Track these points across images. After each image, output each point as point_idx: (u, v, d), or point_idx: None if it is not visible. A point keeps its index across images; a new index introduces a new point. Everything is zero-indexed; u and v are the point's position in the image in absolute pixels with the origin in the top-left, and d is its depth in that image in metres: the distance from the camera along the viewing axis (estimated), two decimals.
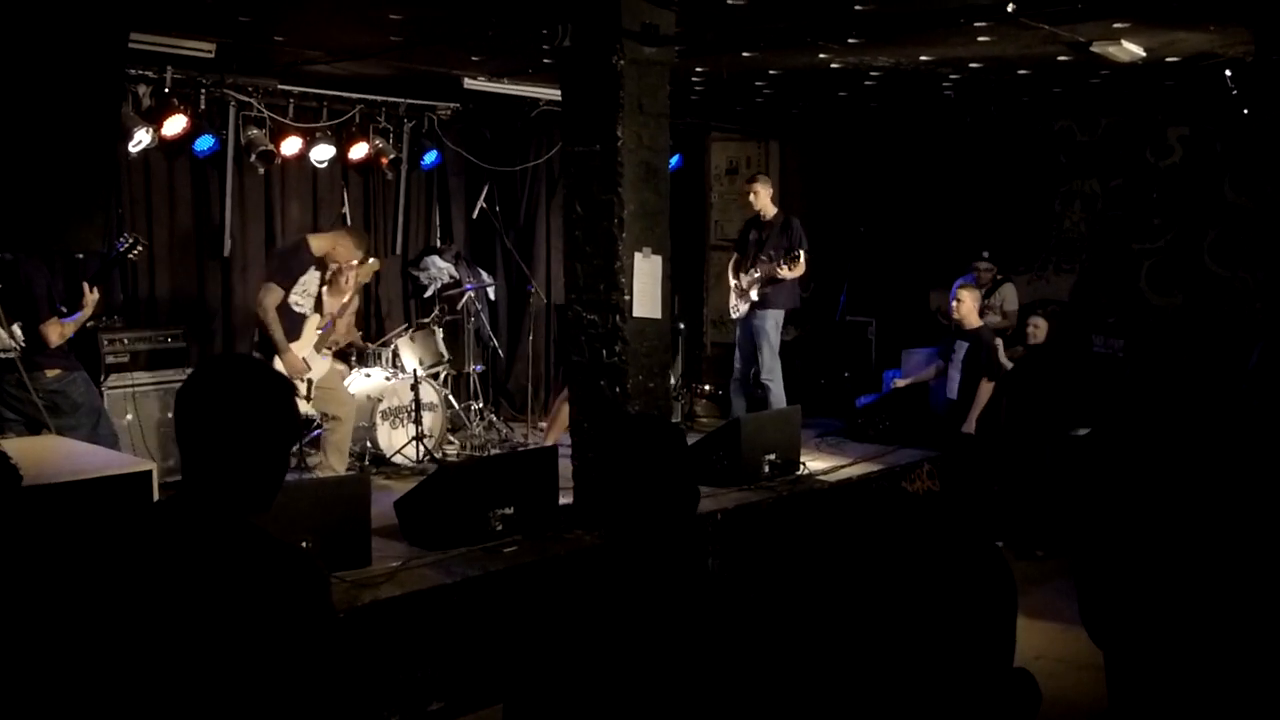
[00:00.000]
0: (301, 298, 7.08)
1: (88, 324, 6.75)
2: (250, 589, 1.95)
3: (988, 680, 1.17)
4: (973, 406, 7.90)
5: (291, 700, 1.94)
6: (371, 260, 8.14)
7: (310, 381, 7.04)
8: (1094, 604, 1.61)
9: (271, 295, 6.90)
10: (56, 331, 6.33)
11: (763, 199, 8.79)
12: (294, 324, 7.05)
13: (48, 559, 2.01)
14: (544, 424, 9.68)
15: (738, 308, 8.82)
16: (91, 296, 6.53)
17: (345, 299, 7.84)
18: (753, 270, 8.68)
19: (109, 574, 1.94)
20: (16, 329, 6.32)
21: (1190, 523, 1.64)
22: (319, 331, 7.31)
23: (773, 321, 8.74)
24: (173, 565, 1.94)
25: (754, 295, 8.66)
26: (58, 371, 6.35)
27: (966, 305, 8.18)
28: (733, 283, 8.84)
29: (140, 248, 6.82)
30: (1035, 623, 5.74)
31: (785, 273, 8.53)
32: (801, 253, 8.52)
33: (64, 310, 6.42)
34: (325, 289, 8.30)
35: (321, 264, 7.22)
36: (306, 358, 7.09)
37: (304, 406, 7.01)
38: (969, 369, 8.06)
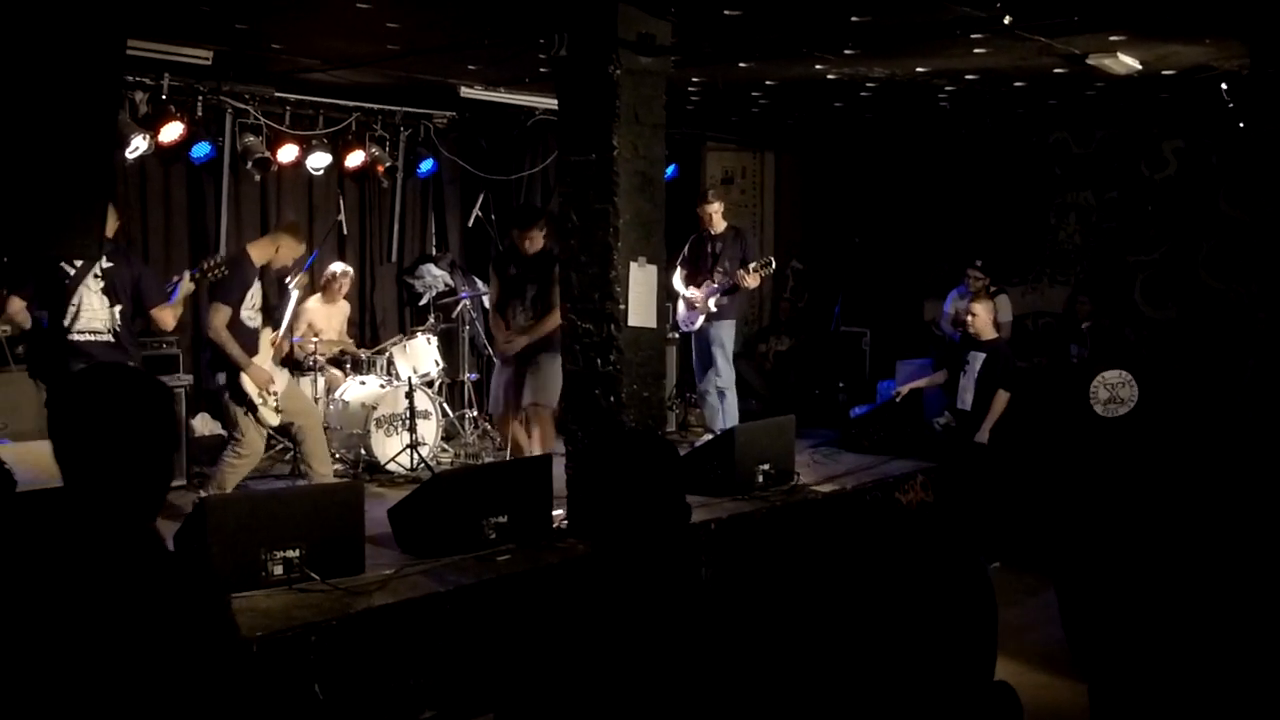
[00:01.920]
0: (253, 312, 6.87)
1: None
2: (139, 605, 1.88)
3: (967, 691, 1.17)
4: (987, 417, 7.92)
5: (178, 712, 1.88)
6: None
7: (276, 394, 6.94)
8: (1077, 622, 1.61)
9: (220, 315, 6.68)
10: (170, 314, 6.56)
11: (719, 213, 8.86)
12: (249, 339, 6.83)
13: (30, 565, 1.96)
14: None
15: (690, 320, 8.82)
16: (190, 285, 6.71)
17: (286, 318, 7.74)
18: (709, 282, 8.71)
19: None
20: (117, 311, 6.38)
21: (1181, 538, 1.64)
22: (274, 346, 7.20)
23: (728, 332, 8.81)
24: (62, 584, 1.87)
25: (712, 306, 8.69)
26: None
27: (982, 318, 8.19)
28: (686, 295, 8.81)
29: (221, 271, 6.78)
30: (1031, 634, 5.73)
31: (749, 282, 8.62)
32: (755, 264, 8.62)
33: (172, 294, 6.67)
34: (316, 301, 8.31)
35: (265, 273, 7.07)
36: (267, 369, 6.97)
37: (275, 419, 6.94)
38: (985, 380, 8.07)
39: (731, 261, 8.72)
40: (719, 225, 8.85)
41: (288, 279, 7.80)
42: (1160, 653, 1.54)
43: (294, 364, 8.35)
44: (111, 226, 6.45)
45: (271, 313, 7.37)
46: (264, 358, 6.90)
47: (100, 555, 1.91)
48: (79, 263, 6.46)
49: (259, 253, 6.90)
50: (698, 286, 8.79)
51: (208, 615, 1.97)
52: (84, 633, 1.83)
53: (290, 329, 7.73)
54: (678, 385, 10.12)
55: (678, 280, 8.85)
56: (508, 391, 7.62)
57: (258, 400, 6.74)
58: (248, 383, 6.70)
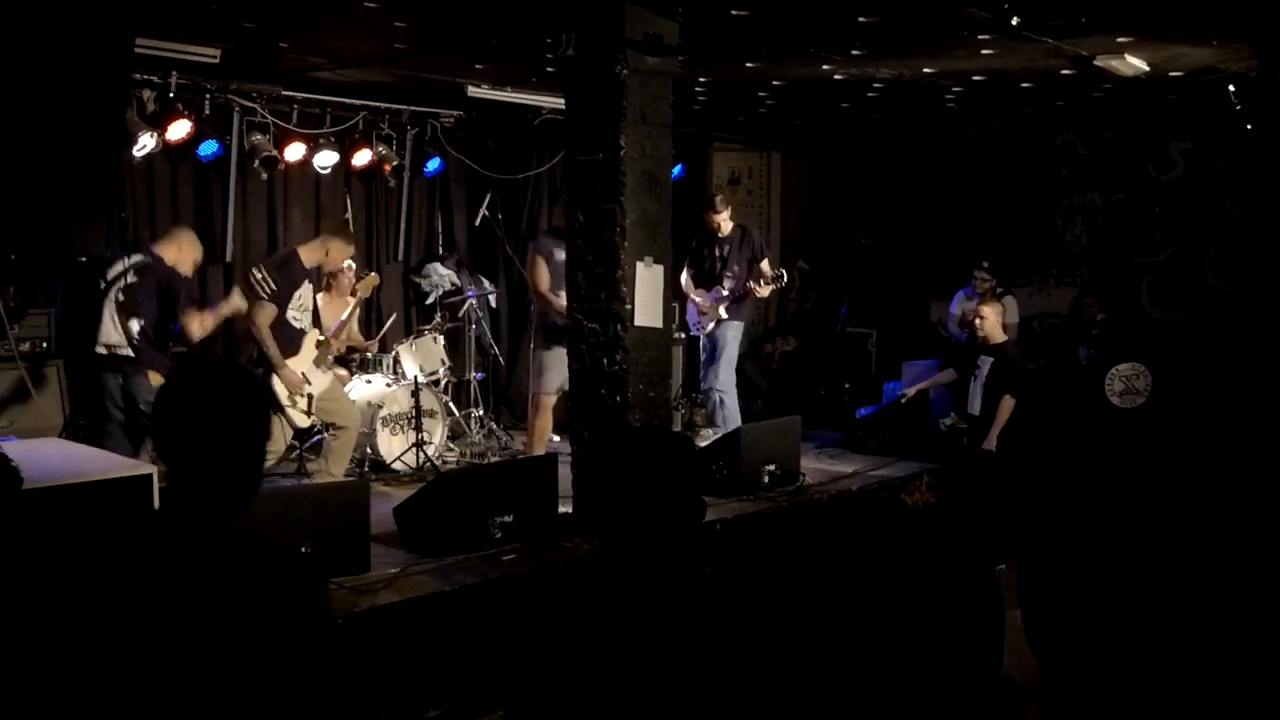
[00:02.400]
0: (299, 312, 6.95)
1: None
2: (250, 594, 1.95)
3: (975, 687, 1.18)
4: (994, 423, 7.87)
5: (290, 705, 1.94)
6: (371, 275, 8.13)
7: (310, 397, 7.00)
8: (1038, 619, 1.62)
9: (265, 313, 6.77)
10: (197, 322, 6.43)
11: (725, 216, 8.87)
12: (292, 338, 6.94)
13: (47, 563, 1.99)
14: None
15: (702, 324, 8.83)
16: (239, 302, 6.67)
17: (345, 311, 7.81)
18: (719, 288, 8.73)
19: (109, 585, 1.94)
20: (134, 324, 6.37)
21: (1169, 533, 1.65)
22: (318, 348, 7.24)
23: (735, 333, 8.82)
24: (171, 573, 1.94)
25: (723, 313, 8.72)
26: (162, 380, 6.28)
27: (990, 321, 8.14)
28: (696, 299, 8.82)
29: (271, 286, 6.84)
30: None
31: (760, 290, 8.72)
32: (767, 275, 8.72)
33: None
34: (322, 296, 8.29)
35: (315, 275, 7.15)
36: (305, 372, 7.03)
37: (304, 420, 6.99)
38: (992, 385, 8.03)
39: (740, 264, 8.74)
40: (726, 227, 8.87)
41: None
42: (1119, 643, 1.54)
43: (346, 363, 8.41)
44: (186, 259, 6.62)
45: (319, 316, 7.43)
46: (305, 359, 6.96)
47: (210, 550, 1.98)
48: (110, 275, 6.51)
49: (310, 255, 6.98)
50: (706, 289, 8.80)
51: (312, 598, 2.05)
52: (196, 620, 1.90)
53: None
54: (683, 385, 10.12)
55: (686, 282, 8.86)
56: None
57: (286, 403, 6.79)
58: (278, 384, 6.76)
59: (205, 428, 2.02)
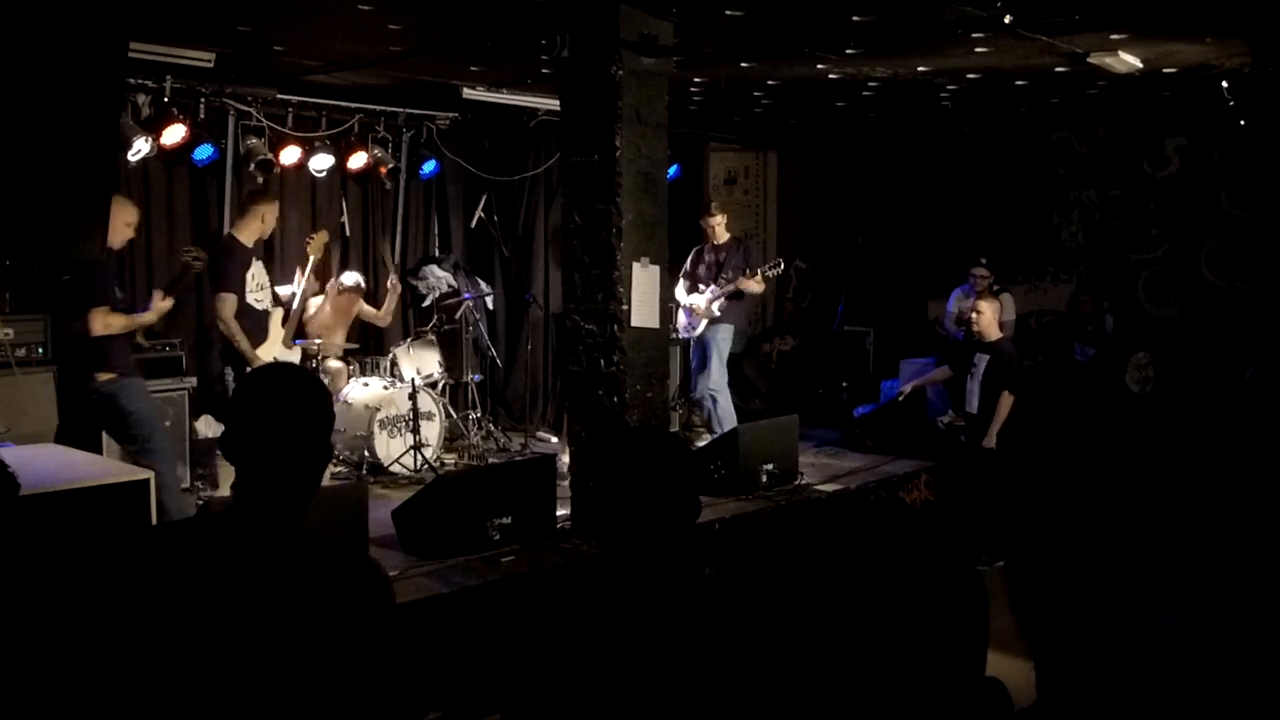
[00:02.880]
0: (259, 293, 6.82)
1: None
2: (328, 592, 2.04)
3: (958, 688, 1.18)
4: (993, 420, 7.86)
5: (363, 698, 2.02)
6: (321, 232, 7.93)
7: None
8: (1025, 596, 1.63)
9: (227, 305, 6.65)
10: (100, 320, 6.12)
11: (722, 224, 8.98)
12: (258, 322, 6.80)
13: (51, 567, 2.02)
14: (543, 433, 9.70)
15: (691, 326, 8.86)
16: (163, 304, 6.43)
17: (304, 273, 7.62)
18: (713, 287, 8.77)
19: (189, 583, 2.00)
20: (45, 324, 6.24)
21: (1160, 524, 1.66)
22: (284, 326, 7.12)
23: (724, 335, 8.84)
24: (249, 570, 2.02)
25: (716, 310, 8.74)
26: (109, 376, 6.18)
27: (987, 317, 8.12)
28: (687, 302, 8.86)
29: (200, 260, 6.72)
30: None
31: (752, 286, 8.73)
32: (764, 266, 8.83)
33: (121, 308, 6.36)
34: (319, 300, 8.27)
35: (259, 251, 6.97)
36: (276, 356, 6.88)
37: None
38: (989, 382, 8.02)
39: (734, 270, 8.79)
40: (722, 236, 8.94)
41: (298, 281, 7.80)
42: (1109, 632, 1.55)
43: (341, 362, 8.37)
44: (123, 235, 6.36)
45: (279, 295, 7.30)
46: (274, 341, 6.85)
47: (288, 549, 2.08)
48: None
49: (247, 232, 6.82)
50: (700, 293, 8.84)
51: (381, 595, 2.11)
52: (273, 616, 1.97)
53: (299, 333, 7.66)
54: (680, 386, 10.12)
55: (680, 292, 8.88)
56: None
57: None
58: None
59: (276, 430, 2.11)
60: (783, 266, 9.05)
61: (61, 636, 2.01)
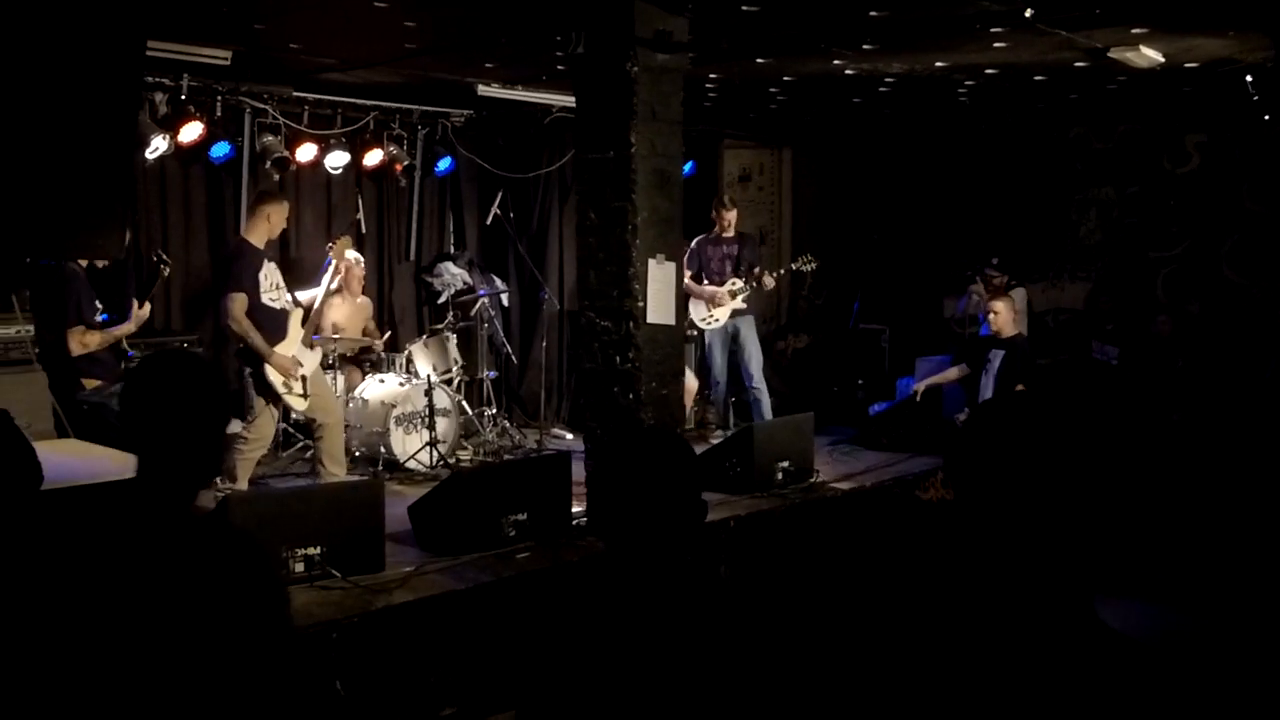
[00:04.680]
0: (274, 292, 6.79)
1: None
2: (206, 567, 2.09)
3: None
4: None
5: (254, 684, 2.06)
6: (344, 238, 7.94)
7: (305, 379, 6.87)
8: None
9: (238, 304, 6.62)
10: (77, 340, 6.14)
11: (734, 219, 9.08)
12: (276, 321, 6.77)
13: (48, 561, 2.10)
14: (558, 430, 9.70)
15: (714, 318, 8.89)
16: (140, 312, 6.44)
17: (324, 284, 7.64)
18: (734, 280, 8.87)
19: (82, 567, 2.06)
20: (30, 330, 6.28)
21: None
22: (303, 326, 7.11)
23: (752, 327, 9.00)
24: (138, 552, 2.08)
25: (740, 303, 8.85)
26: (96, 384, 6.20)
27: (1003, 315, 8.12)
28: (709, 291, 8.88)
29: (165, 266, 6.77)
30: None
31: (771, 283, 8.98)
32: (759, 272, 9.00)
33: (102, 319, 6.34)
34: (335, 299, 8.27)
35: (273, 252, 6.96)
36: (296, 354, 6.85)
37: (303, 404, 6.90)
38: (1005, 378, 8.01)
39: (748, 262, 8.92)
40: (731, 231, 9.04)
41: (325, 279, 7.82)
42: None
43: (359, 363, 8.38)
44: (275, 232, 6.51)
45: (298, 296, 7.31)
46: (293, 340, 6.83)
47: (174, 529, 2.14)
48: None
49: (256, 234, 6.81)
50: (717, 284, 8.87)
51: (266, 576, 2.19)
52: (161, 593, 2.03)
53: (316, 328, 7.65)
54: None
55: (691, 282, 8.88)
56: None
57: (282, 390, 6.70)
58: (272, 372, 6.65)
59: (167, 416, 2.17)
60: (815, 263, 9.21)
61: None
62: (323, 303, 7.34)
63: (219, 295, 6.90)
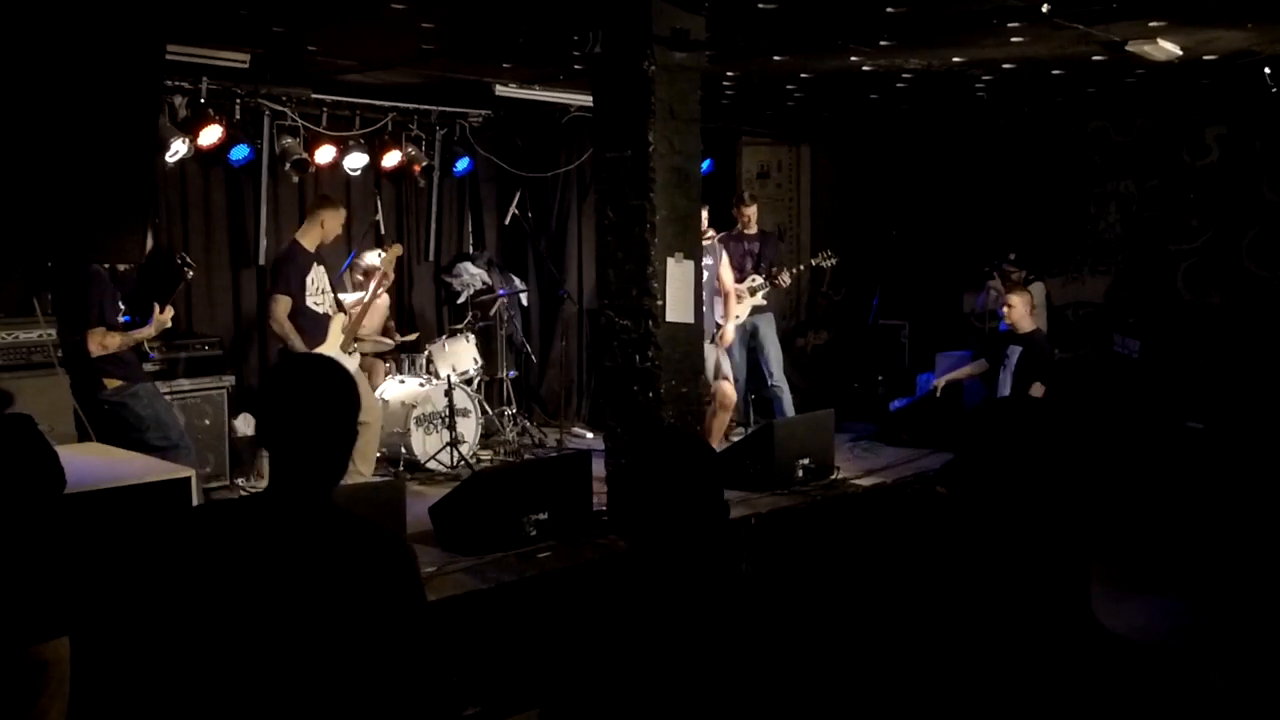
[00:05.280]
0: (319, 297, 6.90)
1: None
2: (359, 567, 2.16)
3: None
4: None
5: (397, 669, 2.14)
6: (394, 245, 8.03)
7: None
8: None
9: (281, 305, 6.75)
10: (97, 341, 6.18)
11: (754, 215, 9.13)
12: (317, 325, 6.87)
13: (193, 559, 2.15)
14: (578, 429, 9.72)
15: (735, 314, 8.78)
16: (162, 316, 6.48)
17: (371, 288, 7.75)
18: (754, 277, 8.88)
19: (226, 557, 2.13)
20: (53, 331, 6.33)
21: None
22: (344, 331, 7.18)
23: (771, 325, 9.02)
24: (280, 545, 2.15)
25: (760, 300, 8.88)
26: (118, 383, 6.23)
27: (1019, 310, 8.08)
28: (735, 290, 8.78)
29: (189, 269, 6.85)
30: None
31: (786, 280, 9.06)
32: (778, 270, 9.06)
33: (124, 321, 6.38)
34: (357, 295, 8.30)
35: (321, 257, 7.05)
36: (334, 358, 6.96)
37: None
38: (1023, 373, 7.98)
39: (768, 260, 8.96)
40: (753, 227, 9.08)
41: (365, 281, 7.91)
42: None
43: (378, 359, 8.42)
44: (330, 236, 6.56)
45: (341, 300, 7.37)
46: (332, 344, 6.91)
47: (318, 526, 2.20)
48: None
49: (308, 238, 6.95)
50: (738, 283, 8.82)
51: (403, 563, 2.24)
52: (303, 588, 2.10)
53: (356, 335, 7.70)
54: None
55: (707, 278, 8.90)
56: None
57: None
58: None
59: (303, 415, 2.24)
60: (835, 259, 9.22)
61: (111, 617, 2.12)
62: (364, 308, 7.41)
63: (269, 293, 7.02)
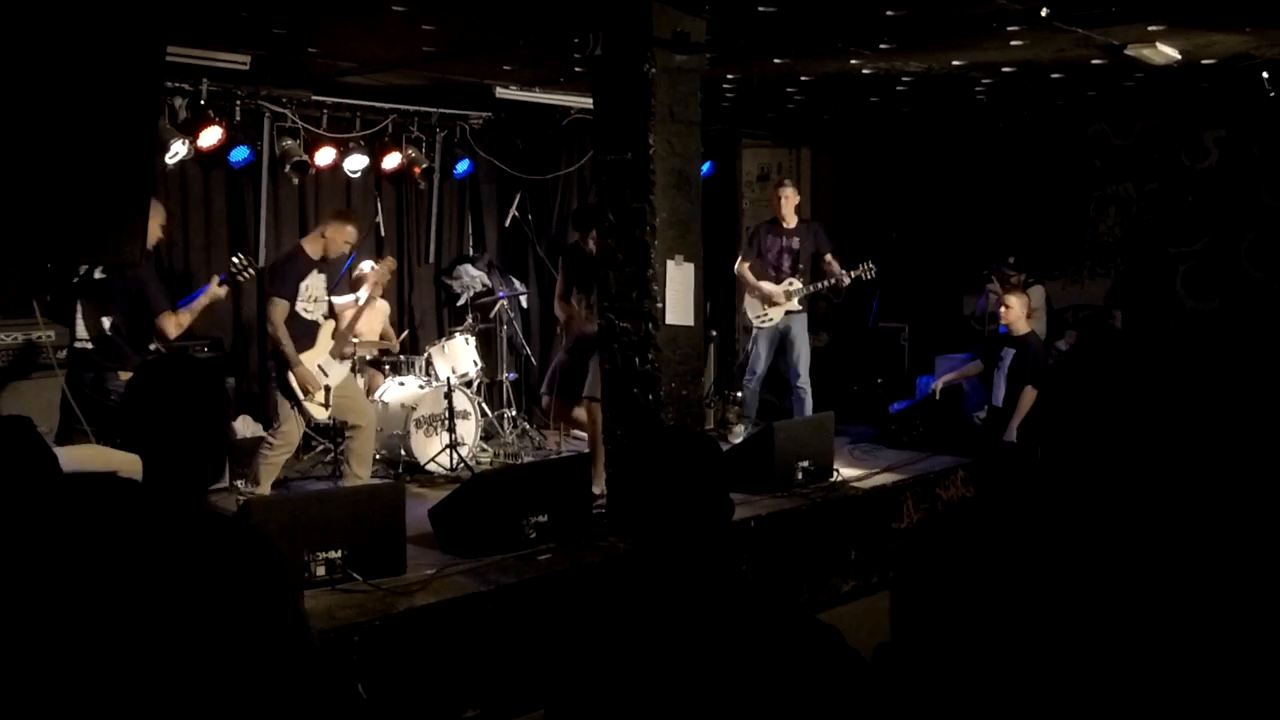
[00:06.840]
0: (310, 304, 6.91)
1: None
2: (218, 569, 2.14)
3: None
4: (1015, 413, 7.80)
5: (259, 674, 2.10)
6: (387, 259, 8.08)
7: (328, 389, 6.95)
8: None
9: (277, 309, 6.77)
10: (173, 323, 6.39)
11: (793, 203, 8.69)
12: (306, 332, 6.89)
13: (54, 557, 2.15)
14: (578, 431, 9.71)
15: (768, 317, 8.65)
16: (219, 290, 6.61)
17: (362, 293, 7.79)
18: (792, 281, 8.58)
19: (90, 559, 2.11)
20: (105, 321, 6.37)
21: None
22: (334, 339, 7.19)
23: (804, 327, 8.78)
24: (141, 548, 2.13)
25: (796, 304, 8.60)
26: (130, 375, 6.24)
27: (1015, 311, 8.07)
28: (767, 289, 8.58)
29: (250, 272, 6.87)
30: None
31: (846, 280, 8.62)
32: (831, 258, 8.63)
33: (180, 305, 6.52)
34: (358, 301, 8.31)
35: (323, 265, 7.09)
36: (322, 365, 6.95)
37: (323, 414, 6.99)
38: (1015, 376, 7.97)
39: (807, 259, 8.61)
40: (791, 218, 8.65)
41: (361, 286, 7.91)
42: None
43: (378, 365, 8.43)
44: (154, 235, 6.44)
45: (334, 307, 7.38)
46: (320, 351, 6.93)
47: (177, 524, 2.20)
48: (81, 272, 6.48)
49: (312, 246, 6.98)
50: (775, 282, 8.60)
51: (273, 572, 2.21)
52: (165, 586, 2.08)
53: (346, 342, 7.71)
54: (715, 383, 10.11)
55: (745, 272, 8.72)
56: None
57: (302, 397, 6.80)
58: (294, 379, 6.76)
59: (167, 417, 2.26)
60: (875, 269, 8.84)
61: None
62: (355, 317, 7.41)
63: (267, 295, 7.07)
